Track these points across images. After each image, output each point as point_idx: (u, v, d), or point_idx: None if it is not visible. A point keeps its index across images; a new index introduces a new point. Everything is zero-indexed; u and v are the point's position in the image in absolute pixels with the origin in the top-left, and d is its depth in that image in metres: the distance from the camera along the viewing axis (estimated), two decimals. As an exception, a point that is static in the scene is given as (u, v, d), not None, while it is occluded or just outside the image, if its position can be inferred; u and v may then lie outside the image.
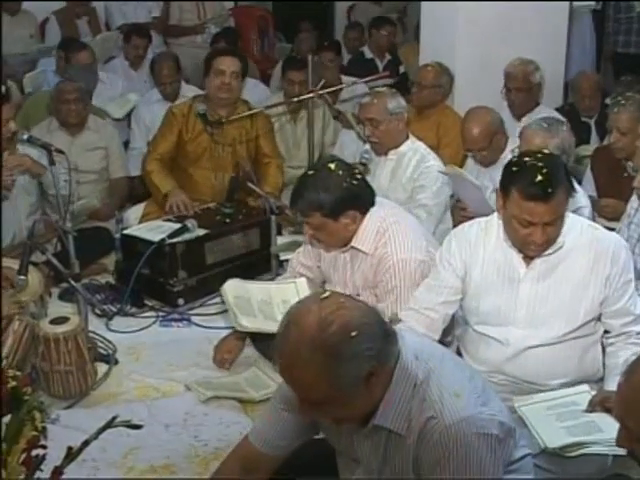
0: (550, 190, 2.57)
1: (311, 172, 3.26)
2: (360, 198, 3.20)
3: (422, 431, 1.93)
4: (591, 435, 2.56)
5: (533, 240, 2.67)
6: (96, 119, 5.18)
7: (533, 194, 2.58)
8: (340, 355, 1.80)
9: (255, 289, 3.53)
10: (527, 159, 2.66)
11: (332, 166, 3.18)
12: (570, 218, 2.78)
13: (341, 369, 1.81)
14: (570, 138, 3.62)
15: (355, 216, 3.17)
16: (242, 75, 4.77)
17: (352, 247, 3.26)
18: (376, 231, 3.21)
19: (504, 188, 2.68)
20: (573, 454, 2.53)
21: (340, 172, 3.16)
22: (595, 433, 2.57)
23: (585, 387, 2.79)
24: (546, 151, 2.82)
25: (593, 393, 2.74)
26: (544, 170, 2.58)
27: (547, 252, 2.74)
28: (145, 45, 6.77)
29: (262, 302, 3.47)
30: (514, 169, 2.66)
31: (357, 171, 3.27)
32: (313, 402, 1.89)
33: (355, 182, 3.18)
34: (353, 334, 1.81)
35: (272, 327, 3.37)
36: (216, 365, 3.61)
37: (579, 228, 2.79)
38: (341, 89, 5.83)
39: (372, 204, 3.24)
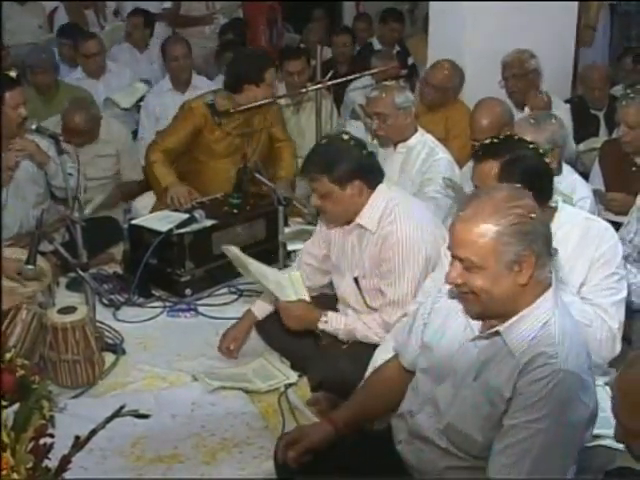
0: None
1: (324, 141, 3.32)
2: (368, 171, 3.19)
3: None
4: (609, 430, 2.56)
5: None
6: (108, 128, 5.02)
7: None
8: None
9: (254, 264, 3.49)
10: None
11: (345, 137, 3.23)
12: (566, 211, 2.80)
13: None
14: (561, 130, 3.56)
15: (362, 188, 3.16)
16: None
17: (357, 224, 3.22)
18: (382, 210, 3.18)
19: None
20: (590, 444, 2.53)
21: (352, 143, 3.20)
22: (611, 428, 2.56)
23: (598, 381, 2.79)
24: None
25: (607, 389, 2.74)
26: None
27: None
28: (142, 23, 6.86)
29: (259, 274, 3.46)
30: None
31: (368, 147, 3.31)
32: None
33: (365, 154, 3.21)
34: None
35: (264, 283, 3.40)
36: (222, 354, 3.62)
37: (573, 220, 2.80)
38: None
39: (379, 181, 3.23)
